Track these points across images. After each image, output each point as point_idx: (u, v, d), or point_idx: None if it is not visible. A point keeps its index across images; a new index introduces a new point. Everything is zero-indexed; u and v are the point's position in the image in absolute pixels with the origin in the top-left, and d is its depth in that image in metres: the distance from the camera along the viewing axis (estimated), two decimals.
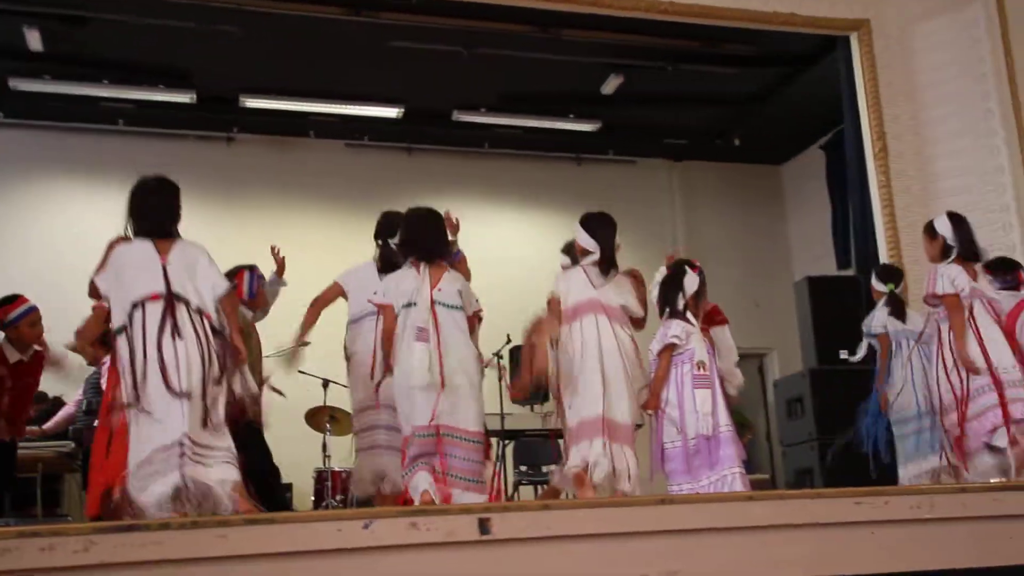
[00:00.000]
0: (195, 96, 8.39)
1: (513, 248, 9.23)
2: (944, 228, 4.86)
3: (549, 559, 2.69)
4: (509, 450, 6.78)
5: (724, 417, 4.40)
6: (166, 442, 3.38)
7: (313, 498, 6.63)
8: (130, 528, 2.46)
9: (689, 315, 4.59)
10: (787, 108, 9.03)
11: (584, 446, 4.12)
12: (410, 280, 4.09)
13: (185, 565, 2.43)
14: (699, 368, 4.43)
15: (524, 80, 8.52)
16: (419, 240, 4.21)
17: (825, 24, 6.88)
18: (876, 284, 5.56)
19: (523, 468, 6.79)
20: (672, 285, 4.67)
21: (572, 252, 4.65)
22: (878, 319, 5.39)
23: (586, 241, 4.54)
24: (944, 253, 4.83)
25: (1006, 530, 3.07)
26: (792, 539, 2.91)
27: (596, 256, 4.48)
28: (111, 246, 3.79)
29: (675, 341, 4.44)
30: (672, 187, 10.45)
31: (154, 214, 3.77)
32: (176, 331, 3.47)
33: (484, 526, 2.65)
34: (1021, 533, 3.08)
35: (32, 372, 5.13)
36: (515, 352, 7.73)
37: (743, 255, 10.04)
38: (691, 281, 4.63)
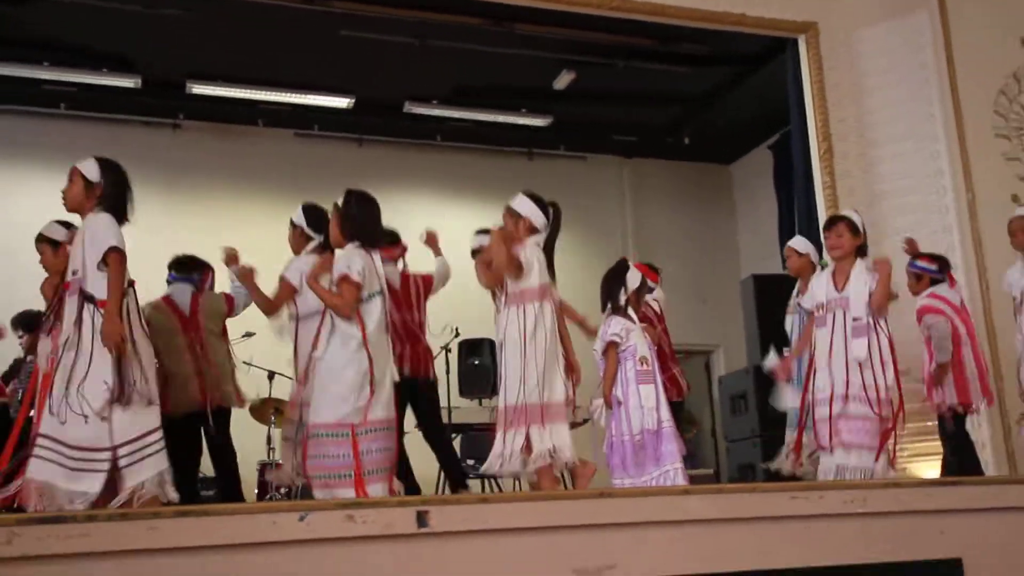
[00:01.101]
0: (140, 81, 8.21)
1: (463, 241, 9.18)
2: None
3: (487, 552, 2.69)
4: (456, 443, 6.75)
5: (666, 412, 4.43)
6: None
7: (257, 491, 6.56)
8: (56, 519, 2.40)
9: (630, 311, 4.60)
10: (736, 108, 9.13)
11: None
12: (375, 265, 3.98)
13: (114, 558, 2.38)
14: (642, 364, 4.45)
15: (477, 73, 8.49)
16: (377, 224, 4.08)
17: (774, 26, 6.94)
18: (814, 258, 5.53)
19: (470, 462, 6.78)
20: (615, 281, 4.67)
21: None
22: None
23: (538, 218, 4.30)
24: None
25: (937, 524, 3.13)
26: (729, 533, 2.94)
27: (543, 236, 4.27)
28: None
29: (615, 339, 4.45)
30: (622, 184, 10.50)
31: None
32: None
33: (422, 519, 2.63)
34: (952, 527, 3.15)
35: None
36: (463, 345, 7.74)
37: (692, 252, 10.13)
38: (633, 277, 4.65)
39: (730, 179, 10.94)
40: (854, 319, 4.33)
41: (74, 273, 3.62)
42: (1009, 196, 6.33)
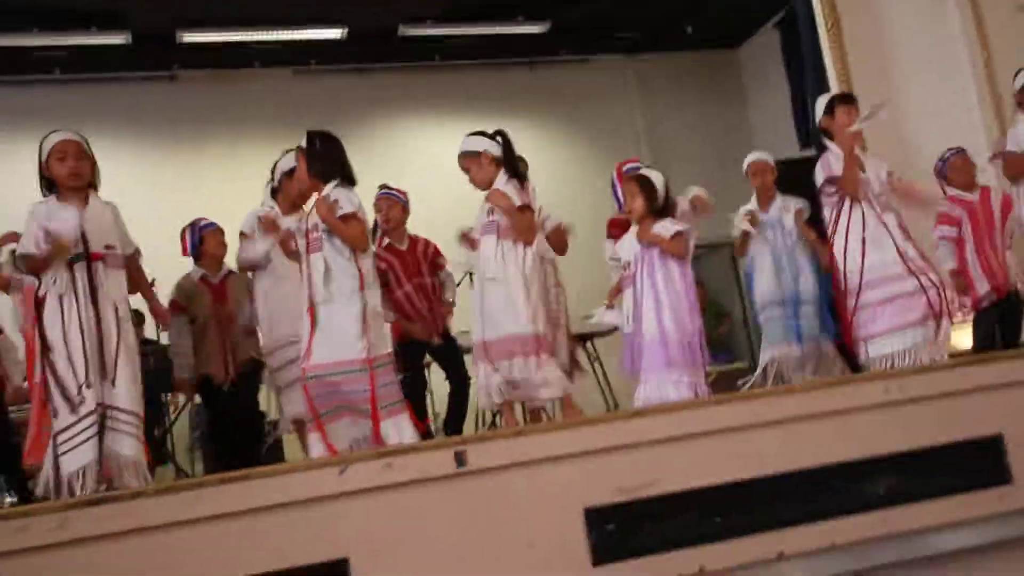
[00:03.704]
0: (130, 36, 8.07)
1: None
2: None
3: (527, 484, 2.72)
4: None
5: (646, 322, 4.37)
6: None
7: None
8: (102, 500, 2.45)
9: None
10: None
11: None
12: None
13: (163, 530, 2.44)
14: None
15: None
16: (346, 161, 3.87)
17: None
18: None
19: None
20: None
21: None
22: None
23: (493, 147, 4.17)
24: None
25: (968, 404, 3.12)
26: (765, 436, 2.95)
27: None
28: None
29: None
30: (628, 83, 10.26)
31: None
32: None
33: (460, 459, 2.66)
34: (984, 406, 3.13)
35: None
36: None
37: (705, 145, 9.93)
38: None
39: (739, 64, 10.65)
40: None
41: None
42: None
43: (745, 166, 5.30)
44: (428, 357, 5.31)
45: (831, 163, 4.28)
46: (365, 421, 3.45)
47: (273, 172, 4.70)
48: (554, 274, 4.70)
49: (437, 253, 5.23)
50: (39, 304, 3.38)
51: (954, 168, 5.16)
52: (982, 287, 4.96)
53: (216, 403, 5.03)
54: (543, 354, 3.93)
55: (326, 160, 3.74)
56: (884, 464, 3.01)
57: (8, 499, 4.48)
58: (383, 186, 5.20)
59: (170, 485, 2.69)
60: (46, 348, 3.31)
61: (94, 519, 2.41)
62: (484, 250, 4.05)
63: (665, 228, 4.04)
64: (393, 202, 5.15)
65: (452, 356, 5.15)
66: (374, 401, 3.39)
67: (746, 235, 5.04)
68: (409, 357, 4.78)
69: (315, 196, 3.72)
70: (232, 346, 4.92)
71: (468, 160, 4.16)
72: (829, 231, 4.34)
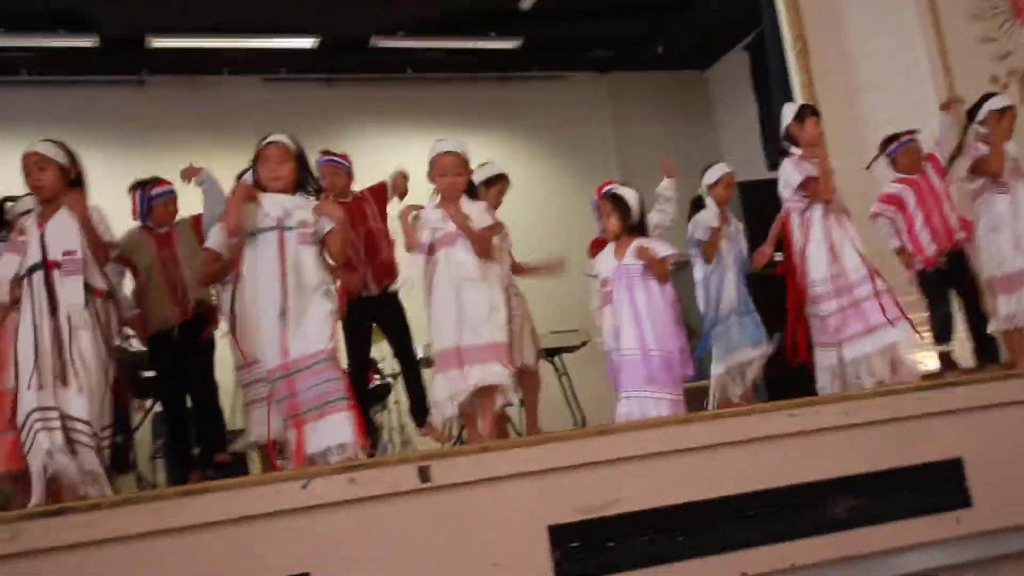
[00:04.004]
0: (99, 39, 8.00)
1: None
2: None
3: (492, 500, 2.71)
4: None
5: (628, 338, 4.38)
6: None
7: None
8: (58, 512, 2.41)
9: None
10: (708, 10, 8.92)
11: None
12: None
13: (120, 543, 2.40)
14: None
15: (441, 0, 8.28)
16: None
17: None
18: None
19: None
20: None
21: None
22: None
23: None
24: None
25: (928, 428, 3.16)
26: (729, 456, 2.96)
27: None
28: None
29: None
30: (600, 100, 10.34)
31: None
32: None
33: (424, 474, 2.65)
34: (942, 430, 3.17)
35: None
36: None
37: (675, 163, 9.99)
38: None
39: (708, 85, 10.78)
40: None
41: None
42: (988, 78, 6.24)
43: (717, 176, 5.31)
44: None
45: (803, 167, 4.38)
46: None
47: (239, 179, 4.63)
48: (514, 283, 4.72)
49: (381, 189, 5.14)
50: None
51: (905, 154, 5.22)
52: (930, 250, 4.98)
53: (169, 369, 4.94)
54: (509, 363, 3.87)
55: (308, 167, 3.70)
56: (845, 486, 3.04)
57: None
58: (325, 152, 5.15)
59: (128, 497, 2.65)
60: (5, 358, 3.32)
61: (48, 530, 2.36)
62: (458, 254, 3.88)
63: (659, 247, 4.07)
64: (337, 168, 5.11)
65: (395, 320, 5.05)
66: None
67: (717, 237, 5.05)
68: (352, 318, 4.65)
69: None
70: (183, 288, 4.82)
71: (457, 162, 3.99)
72: (796, 236, 4.42)
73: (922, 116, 6.23)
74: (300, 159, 3.57)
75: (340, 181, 5.09)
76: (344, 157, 5.20)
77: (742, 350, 5.01)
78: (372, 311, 5.05)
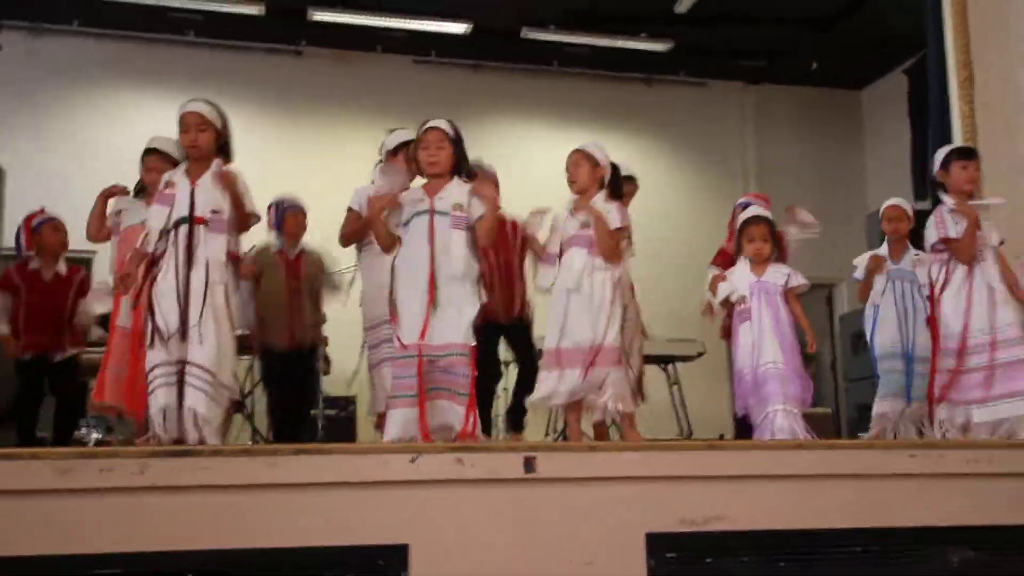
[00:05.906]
0: (264, 8, 8.34)
1: None
2: None
3: (593, 499, 2.71)
4: None
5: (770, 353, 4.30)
6: None
7: None
8: (184, 453, 2.54)
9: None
10: (869, 29, 8.61)
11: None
12: None
13: (234, 491, 2.51)
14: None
15: None
16: None
17: None
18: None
19: None
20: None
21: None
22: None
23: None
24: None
25: None
26: (839, 488, 2.88)
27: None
28: None
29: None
30: (744, 111, 10.15)
31: None
32: None
33: (529, 465, 2.67)
34: None
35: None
36: None
37: (815, 182, 9.74)
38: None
39: (859, 106, 10.44)
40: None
41: None
42: None
43: (881, 210, 5.14)
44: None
45: (947, 222, 4.16)
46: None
47: (381, 150, 4.75)
48: (630, 293, 4.64)
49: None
50: (154, 260, 3.56)
51: None
52: None
53: (274, 376, 5.28)
54: (618, 366, 3.86)
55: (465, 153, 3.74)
56: (958, 535, 2.91)
57: (95, 435, 4.65)
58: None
59: (247, 448, 2.76)
60: (149, 298, 3.48)
61: (172, 469, 2.49)
62: (573, 262, 3.91)
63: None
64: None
65: (522, 339, 5.07)
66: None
67: (870, 279, 4.93)
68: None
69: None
70: (298, 319, 5.15)
71: (583, 159, 4.02)
72: (936, 290, 4.23)
73: None
74: (457, 144, 3.65)
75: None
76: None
77: (888, 399, 4.76)
78: (502, 332, 5.07)
